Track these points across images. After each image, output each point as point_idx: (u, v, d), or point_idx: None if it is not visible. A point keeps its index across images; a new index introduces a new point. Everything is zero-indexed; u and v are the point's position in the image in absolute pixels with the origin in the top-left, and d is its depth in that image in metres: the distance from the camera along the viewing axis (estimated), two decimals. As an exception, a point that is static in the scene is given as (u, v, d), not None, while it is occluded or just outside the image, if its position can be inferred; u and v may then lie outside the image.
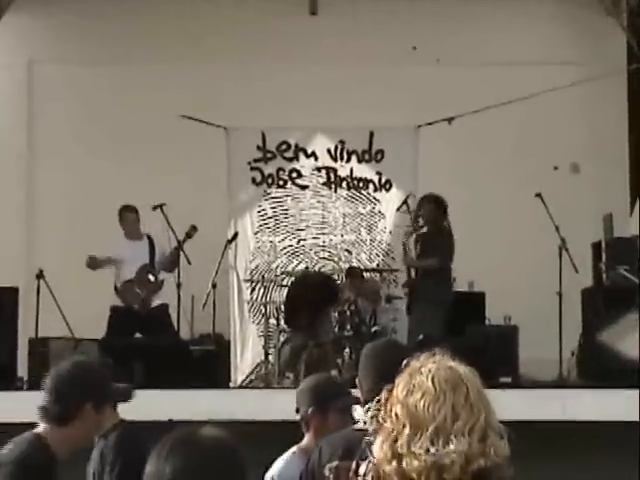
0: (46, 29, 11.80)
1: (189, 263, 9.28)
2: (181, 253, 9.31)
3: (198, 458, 1.75)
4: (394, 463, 1.92)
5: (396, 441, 1.92)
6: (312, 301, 9.94)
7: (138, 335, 9.35)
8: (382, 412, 1.97)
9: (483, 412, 1.93)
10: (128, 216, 9.41)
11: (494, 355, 8.55)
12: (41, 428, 3.10)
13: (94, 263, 9.28)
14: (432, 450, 1.88)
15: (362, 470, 2.29)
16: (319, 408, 3.74)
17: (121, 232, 9.49)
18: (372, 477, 1.98)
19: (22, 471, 2.95)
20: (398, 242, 10.20)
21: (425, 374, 1.93)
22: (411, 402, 1.93)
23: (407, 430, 1.91)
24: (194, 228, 9.18)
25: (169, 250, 9.24)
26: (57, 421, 3.06)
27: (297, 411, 3.89)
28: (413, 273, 9.57)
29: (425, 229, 9.42)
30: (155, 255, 9.37)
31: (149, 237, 9.41)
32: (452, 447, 1.88)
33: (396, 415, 1.94)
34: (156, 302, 9.36)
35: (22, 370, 8.73)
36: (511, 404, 6.14)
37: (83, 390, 3.12)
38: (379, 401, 1.97)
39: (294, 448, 3.90)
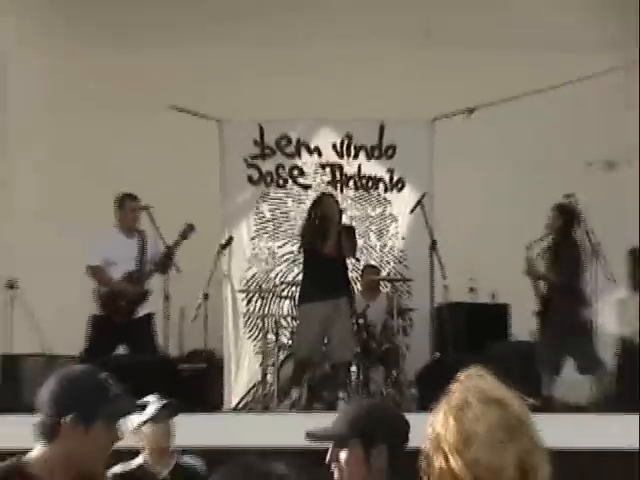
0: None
1: (178, 271, 8.92)
2: (171, 258, 8.90)
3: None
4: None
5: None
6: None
7: (119, 350, 9.07)
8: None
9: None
10: (129, 205, 8.86)
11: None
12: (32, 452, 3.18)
13: (98, 271, 8.73)
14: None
15: None
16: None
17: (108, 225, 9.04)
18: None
19: None
20: (412, 248, 10.48)
21: (473, 416, 2.22)
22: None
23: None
24: (191, 227, 8.81)
25: (161, 252, 8.88)
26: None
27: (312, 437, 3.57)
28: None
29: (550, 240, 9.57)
30: (146, 256, 8.92)
31: (141, 233, 8.95)
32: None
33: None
34: (141, 312, 8.93)
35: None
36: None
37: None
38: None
39: None
